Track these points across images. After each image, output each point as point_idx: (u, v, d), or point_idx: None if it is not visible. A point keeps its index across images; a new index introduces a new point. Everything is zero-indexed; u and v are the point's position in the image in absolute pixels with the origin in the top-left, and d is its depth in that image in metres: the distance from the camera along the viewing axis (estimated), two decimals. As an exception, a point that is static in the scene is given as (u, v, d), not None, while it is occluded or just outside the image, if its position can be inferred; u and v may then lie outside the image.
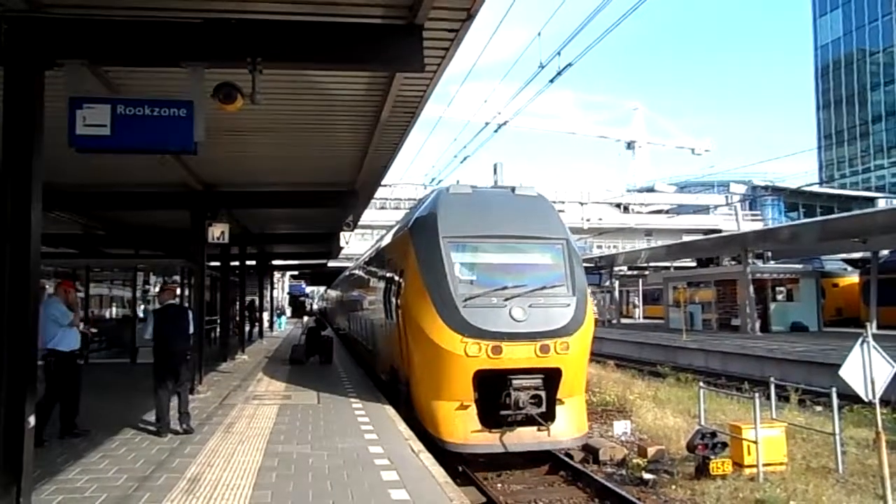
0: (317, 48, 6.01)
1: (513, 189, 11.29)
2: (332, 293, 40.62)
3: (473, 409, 9.23)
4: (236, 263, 22.68)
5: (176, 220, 15.33)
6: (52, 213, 13.73)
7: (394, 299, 11.30)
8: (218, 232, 13.68)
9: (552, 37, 25.89)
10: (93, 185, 12.94)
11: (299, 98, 8.35)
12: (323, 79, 7.66)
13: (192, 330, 9.67)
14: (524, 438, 9.20)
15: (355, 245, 32.84)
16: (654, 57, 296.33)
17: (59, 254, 19.39)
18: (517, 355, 9.18)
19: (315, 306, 62.47)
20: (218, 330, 21.35)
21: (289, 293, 60.11)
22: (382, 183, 14.98)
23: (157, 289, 15.94)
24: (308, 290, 66.00)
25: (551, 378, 9.32)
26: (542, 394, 9.18)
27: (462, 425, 9.15)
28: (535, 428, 9.17)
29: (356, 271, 22.23)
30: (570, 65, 12.93)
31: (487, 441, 9.10)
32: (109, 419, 9.50)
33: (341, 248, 26.01)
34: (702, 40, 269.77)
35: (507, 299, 9.43)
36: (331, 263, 36.68)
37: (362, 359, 18.58)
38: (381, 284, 13.42)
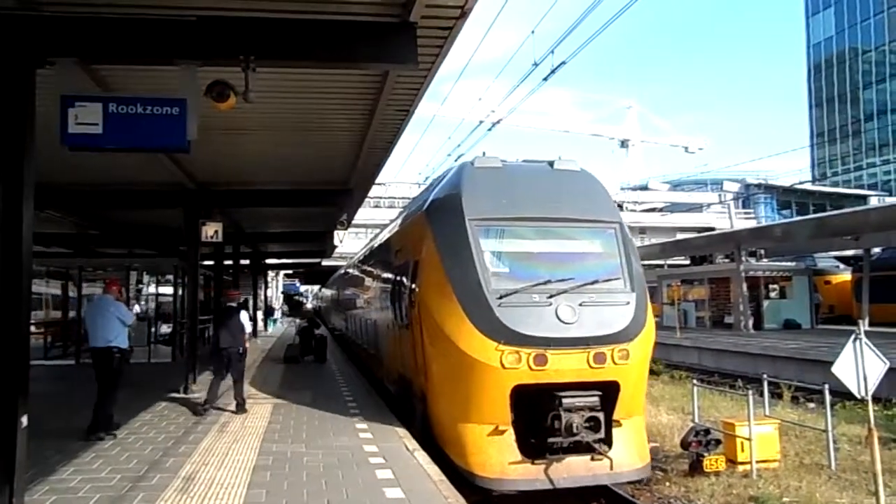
0: (310, 46, 5.99)
1: (551, 163, 9.38)
2: (328, 292, 39.98)
3: (511, 435, 7.50)
4: (230, 262, 22.61)
5: (169, 219, 15.28)
6: (44, 213, 13.64)
7: (405, 297, 9.54)
8: (211, 231, 13.62)
9: (546, 35, 25.90)
10: (85, 184, 12.88)
11: (293, 96, 8.33)
12: (316, 77, 7.64)
13: (247, 329, 10.95)
14: (575, 471, 7.45)
15: (349, 244, 32.84)
16: (648, 55, 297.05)
17: (51, 253, 19.31)
18: (565, 366, 7.50)
19: (309, 305, 62.43)
20: (212, 329, 21.30)
21: (283, 292, 60.01)
22: (377, 181, 14.95)
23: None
24: (302, 289, 65.89)
25: (607, 394, 7.64)
26: (601, 416, 7.44)
27: (497, 455, 7.43)
28: (587, 457, 7.48)
29: (355, 267, 20.45)
30: (563, 63, 12.96)
31: (529, 475, 7.39)
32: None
33: (335, 247, 25.98)
34: (695, 39, 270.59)
35: (551, 296, 7.71)
36: (325, 262, 36.63)
37: (361, 361, 17.44)
38: (388, 280, 11.72)
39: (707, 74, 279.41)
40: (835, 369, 7.14)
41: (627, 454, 7.72)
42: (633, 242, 8.97)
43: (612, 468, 7.49)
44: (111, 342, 8.68)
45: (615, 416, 7.69)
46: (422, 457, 7.61)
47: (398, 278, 10.42)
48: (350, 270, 22.43)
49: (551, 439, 7.33)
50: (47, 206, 13.34)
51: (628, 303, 8.01)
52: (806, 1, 70.97)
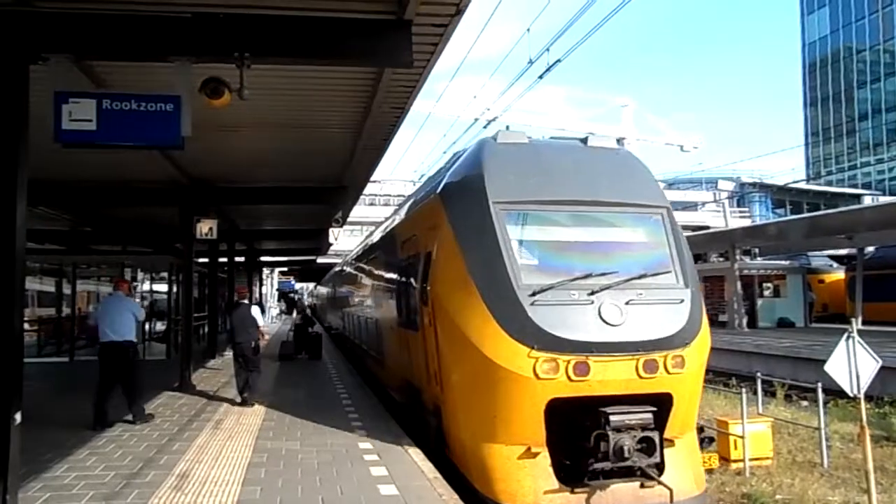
0: (305, 43, 5.98)
1: (584, 140, 8.40)
2: (324, 289, 39.25)
3: (545, 458, 6.43)
4: (225, 260, 22.57)
5: (164, 217, 15.24)
6: (37, 209, 13.59)
7: (414, 294, 8.45)
8: (206, 228, 13.62)
9: (541, 33, 25.92)
10: (79, 181, 12.83)
11: (287, 93, 8.31)
12: (311, 74, 7.63)
13: (261, 323, 11.67)
14: (622, 500, 6.40)
15: (345, 241, 32.81)
16: (643, 54, 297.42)
17: (45, 250, 19.25)
18: (611, 376, 6.41)
19: (306, 302, 62.30)
20: (206, 327, 21.28)
21: (278, 290, 59.91)
22: (372, 179, 14.94)
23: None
24: (297, 286, 65.80)
25: (658, 409, 6.57)
26: (655, 436, 6.36)
27: (529, 482, 6.36)
28: (636, 483, 6.40)
29: (354, 262, 18.78)
30: (558, 61, 12.97)
31: None
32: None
33: (330, 245, 25.95)
34: (691, 37, 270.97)
35: (593, 293, 6.63)
36: (320, 260, 36.59)
37: (360, 362, 16.54)
38: (392, 275, 10.70)
39: (703, 73, 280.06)
40: (828, 368, 7.19)
41: (683, 479, 6.58)
42: (681, 230, 7.82)
43: (672, 500, 6.32)
44: (126, 337, 9.17)
45: (667, 434, 6.60)
46: (416, 454, 7.62)
47: (405, 273, 9.35)
48: (348, 266, 20.96)
49: (597, 465, 6.25)
50: (40, 202, 13.30)
51: (682, 300, 6.90)
52: (801, 0, 71.13)
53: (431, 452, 7.62)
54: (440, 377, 7.45)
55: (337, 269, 27.85)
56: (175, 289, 19.48)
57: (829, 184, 67.12)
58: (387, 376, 11.74)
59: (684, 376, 6.67)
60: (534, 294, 6.54)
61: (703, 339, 6.94)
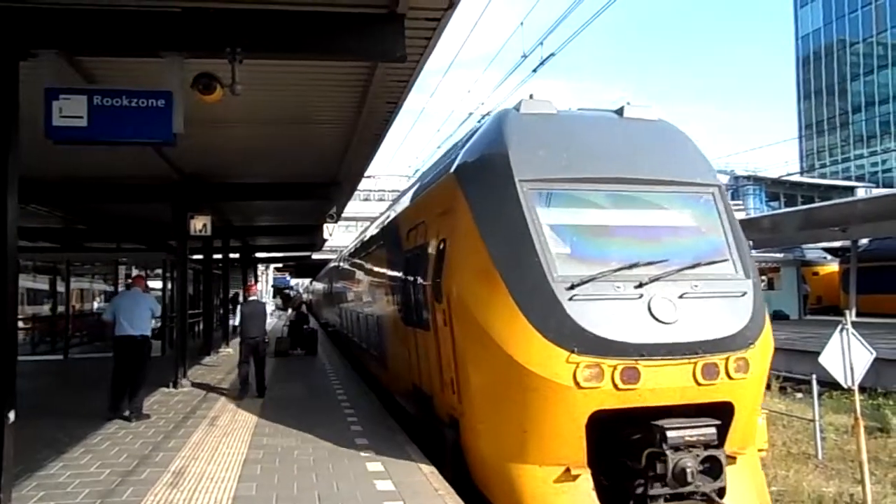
0: (297, 38, 5.95)
1: (619, 111, 7.25)
2: (319, 285, 38.64)
3: (587, 481, 5.56)
4: (219, 256, 22.52)
5: (158, 213, 15.18)
6: (29, 207, 13.52)
7: (424, 288, 7.54)
8: (200, 224, 13.57)
9: (536, 26, 25.86)
10: (71, 178, 12.76)
11: (280, 89, 8.28)
12: (304, 69, 7.60)
13: (268, 321, 11.98)
14: None
15: (340, 237, 32.73)
16: (637, 46, 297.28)
17: (37, 248, 19.18)
18: (664, 383, 5.54)
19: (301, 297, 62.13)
20: (201, 323, 21.25)
21: (273, 286, 59.85)
22: (366, 174, 14.91)
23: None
24: (292, 282, 65.72)
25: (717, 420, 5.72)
26: (721, 455, 5.56)
27: None
28: None
29: (353, 255, 17.74)
30: (552, 55, 12.93)
31: None
32: (92, 414, 9.41)
33: (325, 241, 25.89)
34: (685, 29, 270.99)
35: (640, 285, 5.76)
36: (315, 256, 36.51)
37: (359, 362, 15.96)
38: (397, 268, 9.70)
39: (697, 65, 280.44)
40: (822, 359, 7.21)
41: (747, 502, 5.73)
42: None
43: None
44: (143, 331, 9.56)
45: (727, 449, 5.71)
46: (412, 449, 7.62)
47: (412, 266, 8.41)
48: (346, 260, 19.83)
49: (652, 490, 5.45)
50: (32, 199, 13.22)
51: (744, 293, 6.01)
52: (795, -7, 71.19)
53: (447, 472, 6.63)
54: (458, 384, 6.43)
55: (334, 263, 26.47)
56: (169, 286, 19.42)
57: (823, 176, 67.31)
58: (390, 379, 10.74)
59: (748, 382, 5.79)
60: (572, 287, 5.63)
61: (767, 338, 6.06)
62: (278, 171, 13.31)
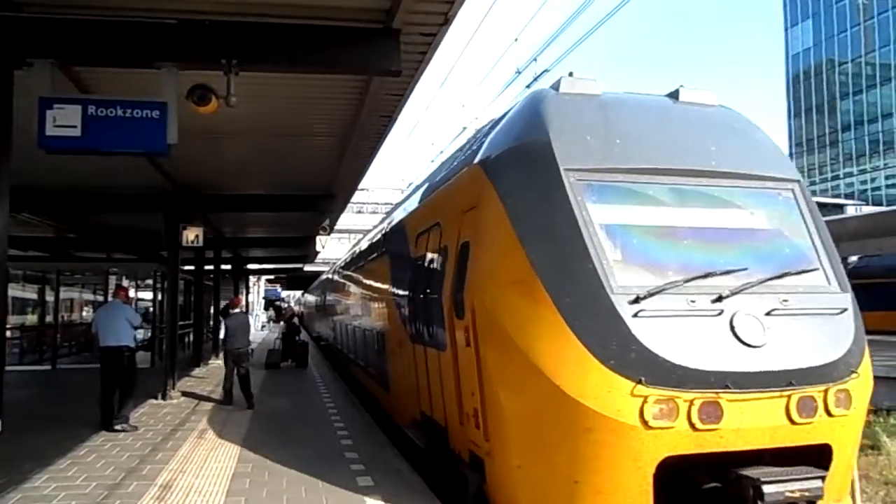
0: (293, 51, 5.99)
1: (674, 94, 6.34)
2: (312, 297, 38.04)
3: None
4: (211, 267, 22.43)
5: (149, 223, 15.12)
6: (20, 215, 13.44)
7: (439, 301, 6.36)
8: (192, 235, 13.51)
9: (530, 42, 26.06)
10: (63, 187, 12.70)
11: (275, 101, 8.29)
12: (299, 82, 7.62)
13: (251, 332, 12.51)
14: None
15: (332, 250, 32.69)
16: (629, 64, 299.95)
17: (28, 257, 19.05)
18: (751, 421, 4.55)
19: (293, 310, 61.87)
20: (192, 335, 21.11)
21: (264, 297, 59.61)
22: (360, 187, 14.91)
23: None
24: (284, 294, 65.48)
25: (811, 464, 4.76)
26: None
27: None
28: None
29: (349, 265, 16.49)
30: (546, 70, 13.01)
31: None
32: (79, 425, 9.32)
33: (318, 253, 25.85)
34: (677, 49, 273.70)
35: (720, 298, 4.80)
36: (307, 268, 36.42)
37: (353, 379, 15.16)
38: (402, 277, 8.58)
39: (689, 83, 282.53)
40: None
41: None
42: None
43: None
44: (122, 342, 9.47)
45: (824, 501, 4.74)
46: (402, 464, 7.57)
47: (422, 275, 7.37)
48: (342, 270, 18.50)
49: None
50: (23, 208, 13.15)
51: (843, 310, 5.10)
52: (785, 12, 72.13)
53: None
54: (484, 418, 5.33)
55: (329, 273, 24.89)
56: (160, 296, 19.31)
57: (814, 193, 67.23)
58: (392, 403, 9.72)
59: (849, 420, 4.80)
60: (637, 300, 4.66)
61: (868, 365, 5.08)
62: (272, 182, 13.29)
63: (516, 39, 14.26)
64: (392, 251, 9.86)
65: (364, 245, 14.33)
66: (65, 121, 5.61)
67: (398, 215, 10.26)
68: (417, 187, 10.53)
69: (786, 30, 72.45)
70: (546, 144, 5.31)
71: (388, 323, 9.63)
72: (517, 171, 5.47)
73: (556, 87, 6.02)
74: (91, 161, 9.48)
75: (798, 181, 5.88)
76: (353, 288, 15.26)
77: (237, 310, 13.11)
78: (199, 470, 7.24)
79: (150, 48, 5.80)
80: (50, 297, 18.82)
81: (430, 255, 7.18)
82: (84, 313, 20.50)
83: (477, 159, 6.16)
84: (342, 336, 17.31)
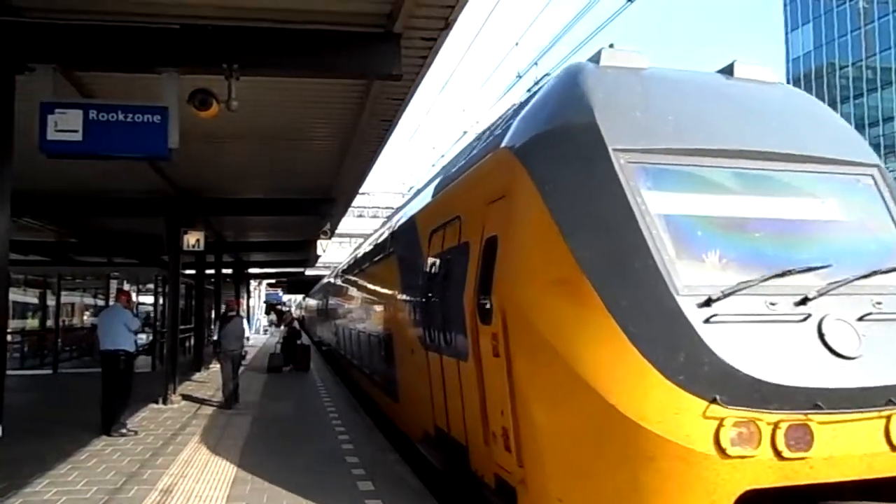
0: (294, 56, 5.99)
1: (729, 69, 5.65)
2: (313, 301, 37.52)
3: None
4: (212, 272, 22.44)
5: (151, 228, 15.14)
6: (21, 220, 13.46)
7: (461, 303, 5.63)
8: (193, 240, 13.54)
9: (531, 46, 26.13)
10: (65, 192, 12.72)
11: (276, 105, 8.30)
12: (300, 86, 7.63)
13: (247, 334, 13.02)
14: None
15: (333, 254, 32.69)
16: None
17: (29, 261, 19.07)
18: (844, 448, 3.81)
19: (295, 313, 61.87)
20: (193, 339, 21.10)
21: (265, 301, 59.65)
22: (360, 191, 14.92)
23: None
24: (285, 298, 65.50)
25: None
26: None
27: None
28: None
29: (354, 267, 15.54)
30: (547, 75, 13.02)
31: None
32: (79, 429, 9.31)
33: (318, 257, 25.87)
34: (676, 52, 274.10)
35: (803, 301, 4.10)
36: (308, 272, 36.43)
37: (356, 385, 14.77)
38: (414, 278, 7.85)
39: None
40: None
41: None
42: None
43: None
44: (119, 346, 9.50)
45: None
46: (402, 468, 7.56)
47: (437, 274, 6.66)
48: (345, 273, 17.64)
49: None
50: (25, 213, 13.17)
51: None
52: (785, 16, 72.26)
53: None
54: (517, 440, 4.59)
55: (330, 277, 23.95)
56: (161, 301, 19.32)
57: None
58: (402, 415, 8.99)
59: None
60: (708, 303, 3.93)
61: None
62: (273, 186, 13.31)
63: (517, 43, 14.29)
64: (401, 251, 9.22)
65: (369, 246, 13.54)
66: (66, 125, 5.62)
67: (407, 213, 9.65)
68: (428, 182, 9.77)
69: (786, 33, 72.58)
70: (590, 122, 4.59)
71: (396, 328, 8.96)
72: (556, 154, 4.73)
73: (595, 59, 5.29)
74: (92, 165, 9.50)
75: (878, 166, 5.15)
76: (356, 291, 14.59)
77: (233, 313, 13.55)
78: (199, 474, 7.23)
79: (151, 53, 5.81)
80: (51, 302, 18.82)
81: (446, 254, 6.46)
82: (85, 317, 20.50)
83: (504, 143, 5.49)
84: (345, 341, 16.66)
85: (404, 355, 8.38)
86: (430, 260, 7.03)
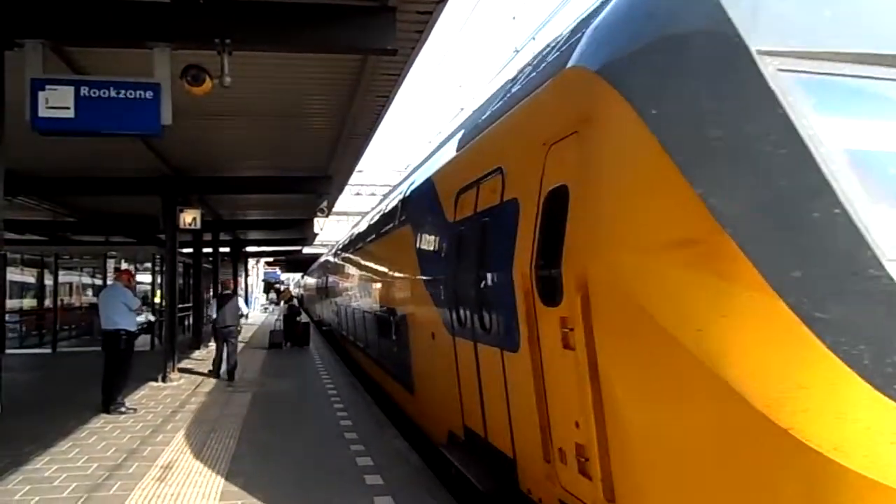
0: (287, 30, 5.92)
1: None
2: (312, 279, 36.69)
3: None
4: (209, 250, 22.43)
5: (147, 207, 15.10)
6: (16, 199, 13.39)
7: (509, 279, 4.44)
8: (189, 218, 13.50)
9: (528, 21, 25.88)
10: (60, 170, 12.65)
11: (270, 81, 8.21)
12: (294, 61, 7.54)
13: (242, 311, 13.88)
14: None
15: (332, 231, 32.62)
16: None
17: (25, 241, 19.03)
18: None
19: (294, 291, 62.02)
20: (191, 318, 21.15)
21: (264, 280, 59.76)
22: (357, 169, 14.86)
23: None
24: (283, 277, 65.61)
25: None
26: None
27: None
28: None
29: (358, 241, 14.12)
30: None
31: None
32: (80, 407, 9.37)
33: (316, 235, 25.86)
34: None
35: None
36: (306, 250, 36.41)
37: (358, 367, 14.26)
38: (434, 248, 6.82)
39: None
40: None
41: None
42: None
43: None
44: (118, 325, 9.54)
45: None
46: (400, 443, 7.62)
47: (471, 243, 5.43)
48: (348, 248, 16.00)
49: None
50: (19, 192, 13.09)
51: None
52: None
53: None
54: (605, 464, 3.39)
55: (330, 255, 22.19)
56: (159, 280, 19.34)
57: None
58: (419, 408, 7.97)
59: None
60: None
61: None
62: (268, 164, 13.24)
63: (514, 17, 14.12)
64: (416, 220, 7.88)
65: (375, 217, 12.17)
66: (58, 102, 5.56)
67: (422, 175, 8.27)
68: (449, 137, 8.27)
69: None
70: (717, 14, 3.13)
71: (411, 309, 7.89)
72: (665, 65, 3.28)
73: None
74: (87, 144, 9.44)
75: None
76: (360, 268, 13.22)
77: (229, 291, 14.12)
78: (199, 451, 7.28)
79: (143, 27, 5.73)
80: (49, 281, 18.82)
81: (481, 217, 5.19)
82: (85, 297, 20.51)
83: (574, 61, 4.02)
84: (348, 322, 15.44)
85: (422, 340, 7.27)
86: (458, 227, 5.83)
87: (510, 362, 4.54)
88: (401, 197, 9.21)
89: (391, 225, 9.64)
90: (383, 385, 10.76)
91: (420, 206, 7.78)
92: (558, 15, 12.10)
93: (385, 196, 12.40)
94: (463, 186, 5.89)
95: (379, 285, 10.66)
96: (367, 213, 15.37)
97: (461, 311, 5.58)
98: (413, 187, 8.56)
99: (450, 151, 7.18)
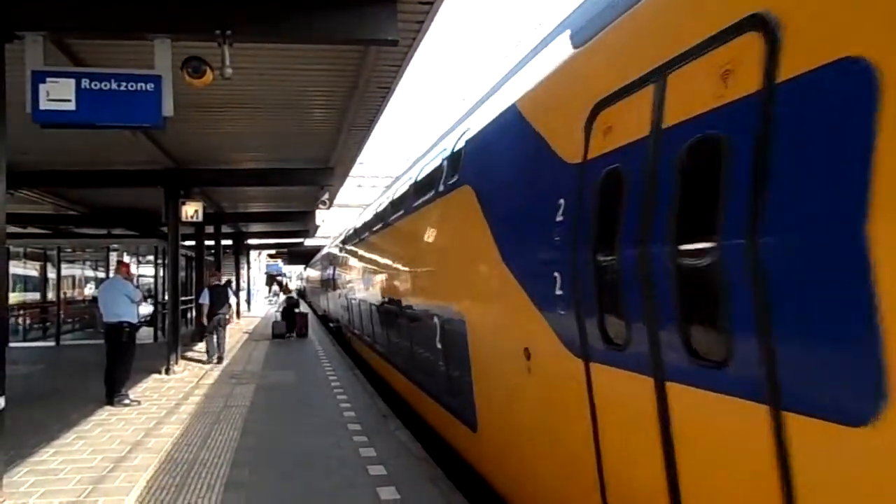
0: (288, 20, 5.90)
1: None
2: (315, 272, 35.77)
3: None
4: (211, 243, 22.44)
5: (149, 199, 15.11)
6: (18, 192, 13.38)
7: (739, 262, 2.27)
8: (191, 210, 13.51)
9: (533, 10, 25.67)
10: (61, 163, 12.63)
11: (271, 73, 8.19)
12: (295, 53, 7.52)
13: (232, 300, 15.59)
14: None
15: (332, 225, 32.62)
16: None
17: (27, 234, 19.06)
18: None
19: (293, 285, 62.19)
20: (194, 310, 21.18)
21: (266, 273, 59.83)
22: (359, 161, 14.82)
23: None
24: (285, 269, 65.66)
25: None
26: None
27: None
28: None
29: (377, 222, 11.34)
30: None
31: None
32: (84, 400, 9.41)
33: (318, 227, 25.87)
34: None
35: None
36: (308, 242, 36.39)
37: (367, 367, 13.38)
38: (546, 216, 3.85)
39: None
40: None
41: None
42: None
43: None
44: (121, 317, 9.61)
45: None
46: (402, 434, 7.64)
47: (633, 203, 3.02)
48: (363, 230, 13.47)
49: None
50: (21, 185, 13.10)
51: None
52: None
53: None
54: None
55: (341, 240, 19.40)
56: (161, 272, 19.37)
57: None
58: (487, 454, 5.43)
59: None
60: None
61: None
62: (270, 156, 13.21)
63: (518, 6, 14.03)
64: (487, 175, 5.36)
65: (404, 187, 9.34)
66: (58, 94, 5.56)
67: (492, 110, 5.53)
68: (535, 48, 5.16)
69: None
70: None
71: (477, 312, 5.39)
72: None
73: None
74: (87, 136, 9.43)
75: None
76: (382, 254, 10.54)
77: (219, 282, 15.31)
78: (203, 442, 7.31)
79: (144, 19, 5.72)
80: (52, 274, 18.86)
81: (685, 133, 2.71)
82: (87, 290, 20.55)
83: None
84: (362, 321, 12.97)
85: (501, 362, 4.82)
86: (600, 168, 3.38)
87: (799, 428, 2.15)
88: (451, 150, 6.56)
89: (431, 194, 7.02)
90: (418, 408, 8.30)
91: (495, 152, 5.29)
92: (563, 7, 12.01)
93: (414, 162, 9.62)
94: (616, 91, 3.30)
95: (411, 276, 8.10)
96: (396, 180, 11.91)
97: (611, 323, 3.26)
98: (476, 131, 5.89)
99: (556, 54, 4.37)
